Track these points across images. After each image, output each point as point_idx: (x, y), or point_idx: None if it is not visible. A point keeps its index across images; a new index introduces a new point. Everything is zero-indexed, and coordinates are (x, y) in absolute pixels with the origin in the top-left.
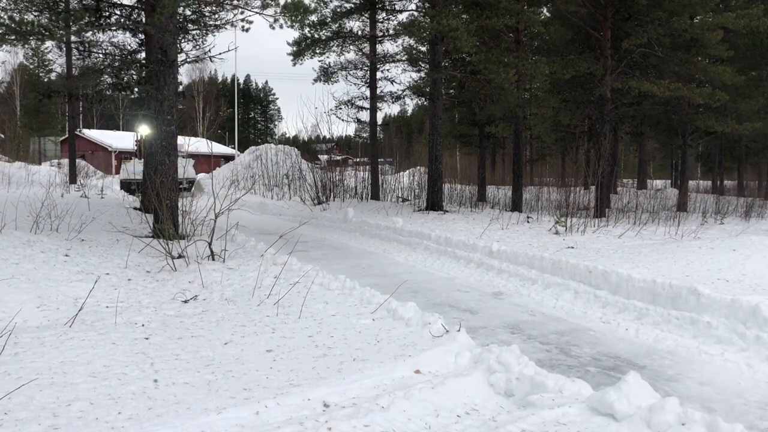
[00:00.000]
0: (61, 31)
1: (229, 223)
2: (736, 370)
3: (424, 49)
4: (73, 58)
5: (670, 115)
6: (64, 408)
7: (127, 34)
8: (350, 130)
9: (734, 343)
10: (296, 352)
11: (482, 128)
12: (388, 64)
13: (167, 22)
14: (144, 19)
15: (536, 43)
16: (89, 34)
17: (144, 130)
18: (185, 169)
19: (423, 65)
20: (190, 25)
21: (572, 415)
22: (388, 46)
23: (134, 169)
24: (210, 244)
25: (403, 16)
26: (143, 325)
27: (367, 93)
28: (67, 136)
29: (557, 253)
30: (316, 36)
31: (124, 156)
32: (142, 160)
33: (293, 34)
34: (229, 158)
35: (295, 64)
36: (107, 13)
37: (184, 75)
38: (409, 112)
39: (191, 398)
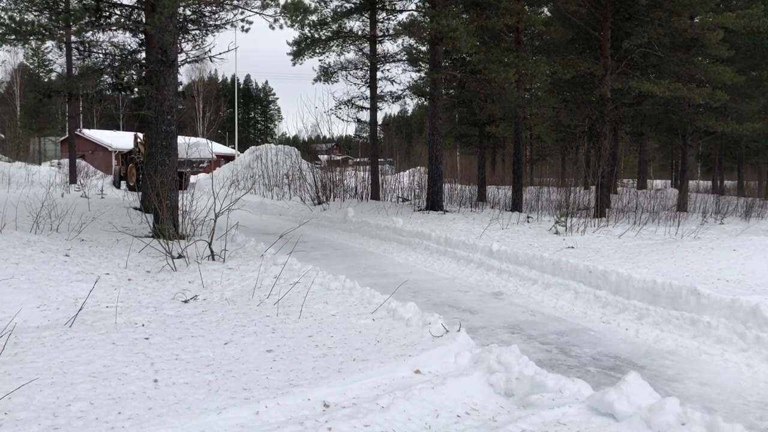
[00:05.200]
0: (61, 31)
1: (229, 223)
2: (736, 371)
3: (424, 49)
4: (73, 58)
5: (670, 115)
6: (64, 408)
7: (127, 34)
8: (350, 130)
9: (734, 343)
10: (296, 352)
11: (482, 128)
12: (388, 64)
13: (167, 22)
14: (144, 19)
15: (536, 43)
16: (89, 34)
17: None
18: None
19: (423, 65)
20: (190, 25)
21: (572, 415)
22: (388, 46)
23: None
24: (210, 244)
25: (403, 16)
26: (143, 325)
27: (367, 93)
28: (67, 136)
29: (557, 253)
30: (316, 36)
31: (121, 153)
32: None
33: (293, 33)
34: (229, 158)
35: (294, 64)
36: (107, 13)
37: (184, 75)
38: (409, 112)
39: (191, 398)
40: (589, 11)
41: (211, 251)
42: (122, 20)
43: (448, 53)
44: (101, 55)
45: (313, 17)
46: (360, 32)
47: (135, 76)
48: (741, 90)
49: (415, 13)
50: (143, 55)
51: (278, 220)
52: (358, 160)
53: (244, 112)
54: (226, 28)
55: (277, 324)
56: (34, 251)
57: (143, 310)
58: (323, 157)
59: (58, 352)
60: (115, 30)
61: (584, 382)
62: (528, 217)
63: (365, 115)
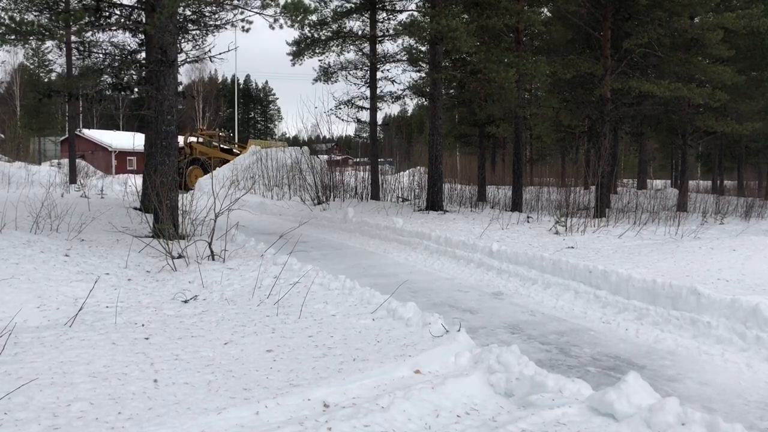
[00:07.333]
0: (61, 31)
1: (229, 223)
2: (736, 370)
3: (424, 49)
4: (73, 58)
5: (670, 115)
6: (64, 408)
7: (127, 34)
8: (350, 130)
9: (734, 343)
10: (296, 352)
11: (482, 128)
12: (388, 64)
13: (167, 22)
14: (144, 19)
15: (536, 43)
16: (89, 34)
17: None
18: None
19: (423, 65)
20: (190, 25)
21: (572, 415)
22: (388, 46)
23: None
24: (210, 244)
25: (403, 16)
26: (143, 325)
27: (367, 93)
28: (67, 136)
29: (557, 253)
30: (316, 36)
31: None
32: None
33: (293, 33)
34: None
35: (294, 64)
36: (107, 13)
37: (184, 75)
38: (409, 112)
39: (191, 398)
40: (589, 11)
41: (211, 251)
42: (122, 20)
43: (448, 53)
44: (101, 55)
45: (313, 17)
46: (360, 32)
47: (135, 76)
48: (741, 90)
49: (415, 13)
50: (143, 55)
51: (278, 220)
52: (358, 160)
53: (244, 112)
54: (226, 28)
55: (277, 324)
56: (34, 251)
57: (143, 310)
58: (323, 157)
59: (58, 352)
60: (115, 30)
61: (584, 382)
62: (528, 217)
63: (365, 115)
